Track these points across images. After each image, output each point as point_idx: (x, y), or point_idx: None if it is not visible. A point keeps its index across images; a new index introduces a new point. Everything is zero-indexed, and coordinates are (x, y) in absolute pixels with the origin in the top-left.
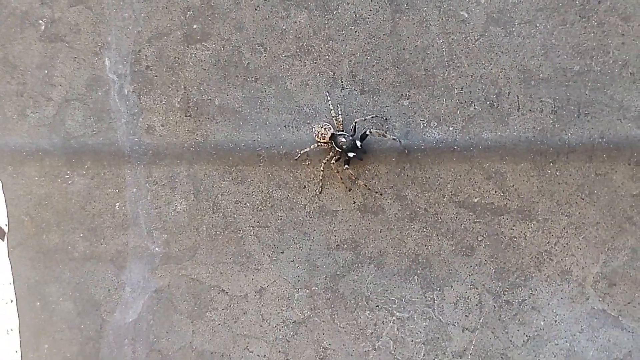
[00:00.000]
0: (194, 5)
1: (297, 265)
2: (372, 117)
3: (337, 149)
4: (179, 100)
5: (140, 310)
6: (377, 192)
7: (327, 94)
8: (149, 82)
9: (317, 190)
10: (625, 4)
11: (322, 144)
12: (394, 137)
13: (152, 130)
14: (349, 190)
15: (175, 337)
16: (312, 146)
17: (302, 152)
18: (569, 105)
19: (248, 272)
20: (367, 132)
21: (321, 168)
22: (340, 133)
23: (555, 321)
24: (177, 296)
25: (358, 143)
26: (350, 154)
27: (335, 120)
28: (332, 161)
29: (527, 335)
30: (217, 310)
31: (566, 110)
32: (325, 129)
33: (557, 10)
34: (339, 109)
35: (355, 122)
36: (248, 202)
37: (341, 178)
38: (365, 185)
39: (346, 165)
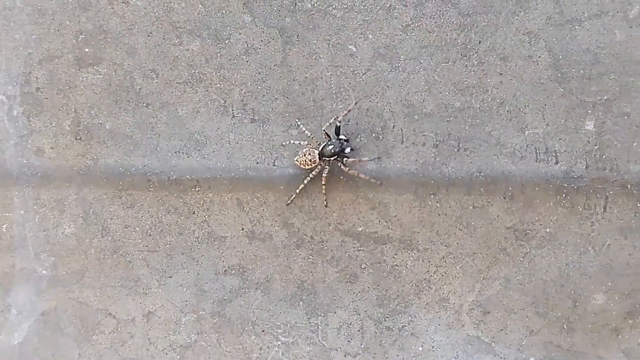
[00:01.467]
0: (86, 29)
1: (185, 289)
2: (347, 111)
3: (331, 158)
4: (69, 123)
5: (26, 333)
6: (378, 183)
7: (298, 121)
8: (39, 104)
9: (324, 203)
10: (504, 45)
11: (315, 168)
12: (355, 102)
13: (42, 152)
14: (326, 206)
15: None
16: (305, 181)
17: (297, 191)
18: (450, 139)
19: (136, 296)
20: (337, 123)
21: (322, 183)
22: (323, 145)
23: (433, 347)
24: (63, 319)
25: (342, 137)
26: (347, 150)
27: (309, 140)
28: (324, 174)
29: None
30: (104, 334)
31: (447, 145)
32: (310, 153)
33: (441, 48)
34: (323, 127)
35: (338, 124)
36: (137, 227)
37: (324, 194)
38: (370, 178)
39: (347, 168)
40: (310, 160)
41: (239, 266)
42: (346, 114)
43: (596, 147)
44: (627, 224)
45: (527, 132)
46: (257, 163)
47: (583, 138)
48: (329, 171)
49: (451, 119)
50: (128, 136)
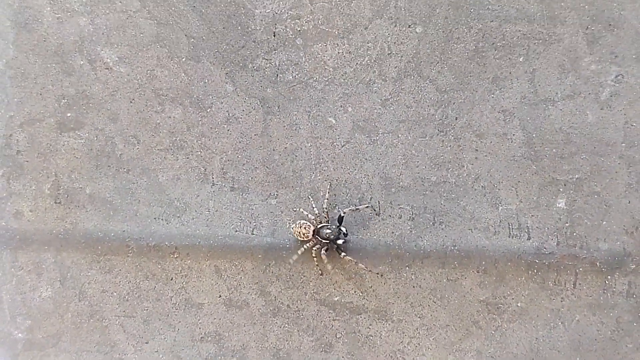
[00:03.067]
0: (69, 93)
1: (161, 356)
2: (366, 206)
3: (323, 241)
4: (49, 186)
5: None
6: (377, 273)
7: (310, 198)
8: (19, 167)
9: (319, 274)
10: (479, 122)
11: (305, 241)
12: (366, 205)
13: (20, 215)
14: (321, 275)
15: None
16: (300, 251)
17: (294, 258)
18: (426, 213)
19: None
20: (342, 214)
21: (315, 262)
22: (322, 225)
23: None
24: None
25: (343, 229)
26: (340, 241)
27: (313, 214)
28: (323, 251)
29: None
30: None
31: (423, 218)
32: (305, 227)
33: (418, 123)
34: (324, 205)
35: (344, 213)
36: (115, 292)
37: (317, 265)
38: (366, 268)
39: (343, 254)
40: (303, 234)
41: (216, 333)
42: (354, 210)
43: (567, 224)
44: (595, 300)
45: (500, 208)
46: (236, 231)
47: (555, 215)
48: (320, 249)
49: (427, 192)
50: (108, 201)
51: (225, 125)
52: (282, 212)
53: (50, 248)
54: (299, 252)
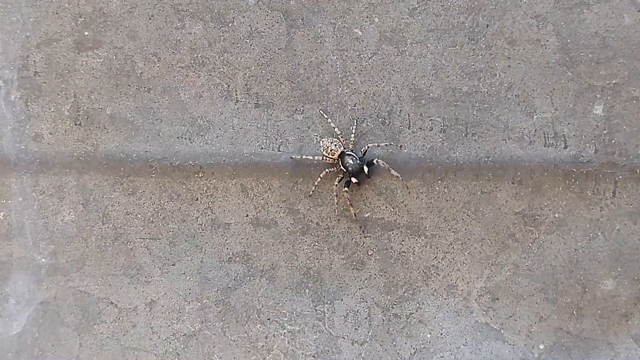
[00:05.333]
0: (86, 11)
1: (188, 277)
2: (387, 144)
3: (341, 168)
4: (68, 108)
5: (24, 323)
6: (362, 229)
7: (322, 112)
8: (37, 88)
9: (335, 215)
10: (511, 29)
11: (329, 159)
12: (397, 174)
13: (40, 138)
14: (338, 221)
15: (61, 351)
16: (321, 174)
17: (316, 183)
18: (457, 124)
19: (138, 285)
20: (375, 162)
21: (334, 194)
22: (349, 153)
23: (441, 334)
24: (63, 308)
25: (365, 169)
26: (354, 179)
27: (340, 138)
28: (336, 182)
29: (414, 348)
30: (106, 323)
31: (454, 130)
32: (335, 145)
33: (448, 32)
34: (353, 128)
35: (368, 147)
36: (139, 214)
37: (337, 202)
38: (355, 216)
39: (345, 188)
40: (331, 151)
41: (244, 253)
42: (377, 146)
43: (605, 131)
44: (636, 208)
45: (535, 117)
46: (262, 148)
47: (592, 122)
48: (340, 181)
49: (459, 103)
50: (129, 121)
51: (248, 40)
52: (308, 128)
53: (71, 171)
54: (321, 175)
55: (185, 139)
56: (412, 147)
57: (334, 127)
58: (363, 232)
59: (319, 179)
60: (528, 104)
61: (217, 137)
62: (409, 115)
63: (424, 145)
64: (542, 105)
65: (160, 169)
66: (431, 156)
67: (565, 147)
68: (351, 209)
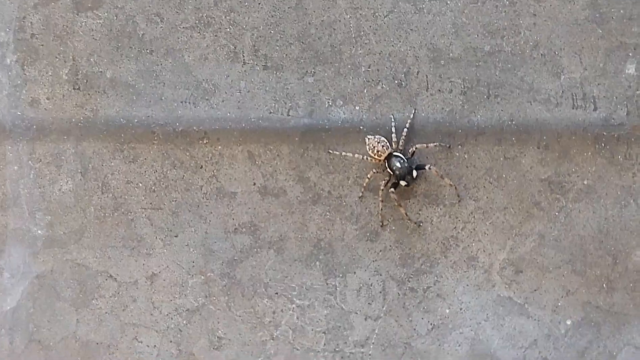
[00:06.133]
0: None
1: (191, 249)
2: (435, 144)
3: (387, 170)
4: (66, 71)
5: (19, 297)
6: (415, 223)
7: (392, 117)
8: (34, 51)
9: (379, 224)
10: None
11: (373, 159)
12: (451, 182)
13: (37, 103)
14: (381, 226)
15: (58, 327)
16: (369, 175)
17: (364, 185)
18: (479, 86)
19: (139, 257)
20: (427, 168)
21: (380, 199)
22: (397, 155)
23: (461, 309)
24: (60, 282)
25: (414, 173)
26: (403, 182)
27: (392, 140)
28: (382, 187)
29: (431, 324)
30: (104, 298)
31: (476, 92)
32: (382, 146)
33: None
34: (404, 132)
35: (416, 148)
36: (140, 182)
37: (382, 208)
38: (407, 215)
39: (392, 189)
40: (378, 152)
41: (251, 224)
42: (426, 147)
43: (638, 92)
44: None
45: (562, 77)
46: (270, 113)
47: (624, 83)
48: (386, 185)
49: (480, 63)
50: (130, 85)
51: None
52: (320, 91)
53: (69, 138)
54: (369, 176)
55: (189, 103)
56: (431, 111)
57: (393, 131)
58: (419, 226)
59: (367, 180)
60: (555, 63)
61: (223, 101)
62: (427, 77)
63: (442, 109)
64: (570, 64)
65: (162, 135)
66: (450, 120)
67: (595, 109)
68: (401, 209)
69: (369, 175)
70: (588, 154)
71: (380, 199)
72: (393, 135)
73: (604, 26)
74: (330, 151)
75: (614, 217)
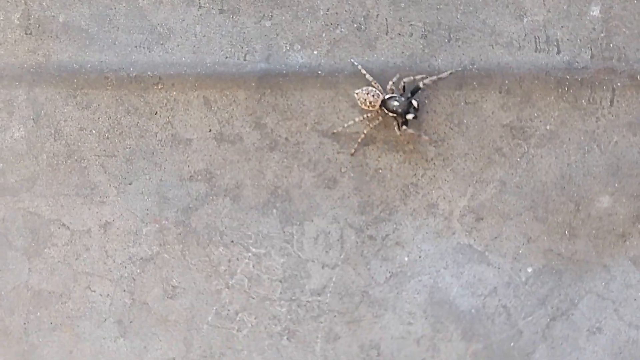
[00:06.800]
0: None
1: (146, 197)
2: (422, 77)
3: (389, 113)
4: (18, 16)
5: None
6: (433, 141)
7: (352, 60)
8: None
9: (351, 150)
10: None
11: (370, 111)
12: (451, 71)
13: None
14: (352, 155)
15: (9, 276)
16: (357, 119)
17: (346, 126)
18: (440, 29)
19: (92, 205)
20: (420, 85)
21: (364, 132)
22: (390, 96)
23: (420, 257)
24: (12, 231)
25: (414, 102)
26: (409, 116)
27: (375, 84)
28: (397, 131)
29: (389, 272)
30: (57, 247)
31: (437, 35)
32: (372, 95)
33: None
34: (403, 79)
35: (404, 83)
36: (94, 129)
37: (360, 142)
38: (430, 139)
39: (404, 127)
40: (370, 103)
41: (206, 171)
42: (436, 80)
43: (602, 34)
44: (636, 118)
45: (525, 20)
46: (226, 57)
47: (588, 25)
48: (399, 127)
49: (441, 6)
50: (83, 29)
51: None
52: (277, 35)
53: (21, 83)
54: (365, 131)
55: (143, 48)
56: (390, 55)
57: (364, 72)
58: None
59: (363, 135)
60: (517, 5)
61: (178, 45)
62: (386, 20)
63: (403, 53)
64: (533, 6)
65: (116, 81)
66: (411, 64)
67: (558, 52)
68: (423, 136)
69: (365, 131)
70: (551, 98)
71: (403, 140)
72: (390, 83)
73: None
74: (334, 132)
75: (576, 162)
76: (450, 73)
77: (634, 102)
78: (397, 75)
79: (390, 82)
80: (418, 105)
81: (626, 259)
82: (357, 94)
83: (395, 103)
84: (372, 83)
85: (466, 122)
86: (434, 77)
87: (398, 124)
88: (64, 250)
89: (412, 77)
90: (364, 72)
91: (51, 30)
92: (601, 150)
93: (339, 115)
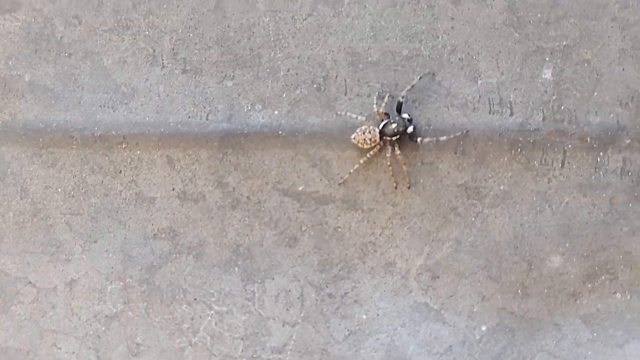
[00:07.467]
0: None
1: (111, 255)
2: (411, 86)
3: (392, 137)
4: None
5: None
6: (408, 184)
7: (338, 112)
8: None
9: (393, 186)
10: None
11: (374, 147)
12: (420, 75)
13: None
14: (395, 188)
15: None
16: (361, 161)
17: (351, 171)
18: (397, 90)
19: (58, 263)
20: (400, 99)
21: (388, 164)
22: (384, 123)
23: (378, 315)
24: None
25: (405, 115)
26: (410, 129)
27: (368, 121)
28: (388, 154)
29: (348, 330)
30: (23, 304)
31: (394, 96)
32: (369, 131)
33: None
34: (384, 99)
35: (402, 100)
36: (59, 188)
37: (392, 175)
38: (449, 136)
39: (398, 151)
40: (370, 140)
41: (170, 229)
42: (410, 89)
43: (554, 97)
44: (586, 180)
45: (480, 82)
46: (189, 117)
47: (540, 88)
48: (392, 150)
49: (398, 67)
50: (49, 89)
51: (175, 1)
52: (239, 95)
53: None
54: (361, 161)
55: (107, 107)
56: (349, 114)
57: (356, 117)
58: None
59: (358, 165)
60: (472, 68)
61: (142, 105)
62: (345, 81)
63: (361, 113)
64: (487, 69)
65: (81, 140)
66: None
67: (512, 114)
68: (405, 167)
69: (361, 161)
70: (504, 159)
71: (389, 166)
72: (374, 105)
73: (521, 30)
74: (340, 182)
75: (529, 222)
76: (420, 77)
77: (585, 164)
78: (375, 102)
79: (375, 109)
80: (410, 116)
81: (577, 317)
82: (354, 138)
83: (394, 125)
84: (365, 122)
85: (423, 182)
86: (409, 87)
87: (393, 148)
88: (30, 308)
89: (390, 96)
90: (354, 116)
91: (17, 90)
92: (553, 210)
93: (299, 174)
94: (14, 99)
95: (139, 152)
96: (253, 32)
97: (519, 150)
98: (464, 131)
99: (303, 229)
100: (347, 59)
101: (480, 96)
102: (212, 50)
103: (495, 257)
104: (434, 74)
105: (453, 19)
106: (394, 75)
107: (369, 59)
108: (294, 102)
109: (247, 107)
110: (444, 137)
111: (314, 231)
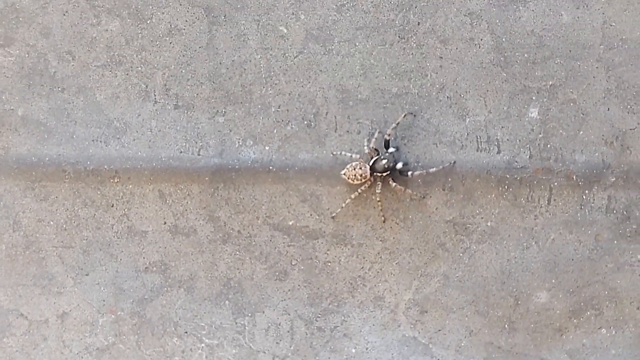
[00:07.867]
0: None
1: (102, 288)
2: (396, 124)
3: (383, 174)
4: None
5: None
6: (418, 196)
7: (333, 153)
8: None
9: (381, 220)
10: (444, 27)
11: (365, 184)
12: (405, 113)
13: None
14: (384, 222)
15: None
16: (352, 196)
17: (343, 205)
18: (386, 127)
19: (50, 296)
20: (387, 137)
21: (377, 199)
22: (375, 159)
23: (367, 348)
24: None
25: (391, 149)
26: (399, 165)
27: (359, 158)
28: (378, 190)
29: None
30: (15, 336)
31: (383, 133)
32: (360, 167)
33: (377, 29)
34: (374, 136)
35: (388, 137)
36: (52, 221)
37: (381, 210)
38: (413, 192)
39: (394, 184)
40: (360, 176)
41: (161, 263)
42: (395, 127)
43: (540, 135)
44: (572, 217)
45: (468, 120)
46: (181, 152)
47: (527, 126)
48: (382, 187)
49: (388, 105)
50: (42, 123)
51: (167, 38)
52: (230, 131)
53: None
54: (352, 196)
55: (100, 142)
56: (339, 151)
57: (350, 155)
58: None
59: (350, 199)
60: (460, 106)
61: (134, 140)
62: (335, 118)
63: (351, 149)
64: (474, 107)
65: (73, 174)
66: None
67: (499, 152)
68: (408, 191)
69: (352, 196)
70: (492, 196)
71: (378, 202)
72: (365, 147)
73: (508, 70)
74: (333, 216)
75: (516, 258)
76: (404, 116)
77: (570, 201)
78: (373, 139)
79: (366, 147)
80: (398, 146)
81: (563, 352)
82: (344, 174)
83: (384, 161)
84: (356, 159)
85: (411, 217)
86: (394, 125)
87: (383, 183)
88: (22, 340)
89: (379, 132)
90: (349, 154)
91: (10, 124)
92: (539, 247)
93: (290, 209)
94: (7, 133)
95: (131, 186)
96: (245, 69)
97: (506, 187)
98: (452, 162)
99: (293, 263)
100: (337, 96)
101: (468, 134)
102: (204, 87)
103: (482, 292)
104: (414, 114)
105: (441, 57)
106: (383, 113)
107: (359, 96)
108: (285, 138)
109: (239, 142)
110: (434, 169)
111: (304, 265)
